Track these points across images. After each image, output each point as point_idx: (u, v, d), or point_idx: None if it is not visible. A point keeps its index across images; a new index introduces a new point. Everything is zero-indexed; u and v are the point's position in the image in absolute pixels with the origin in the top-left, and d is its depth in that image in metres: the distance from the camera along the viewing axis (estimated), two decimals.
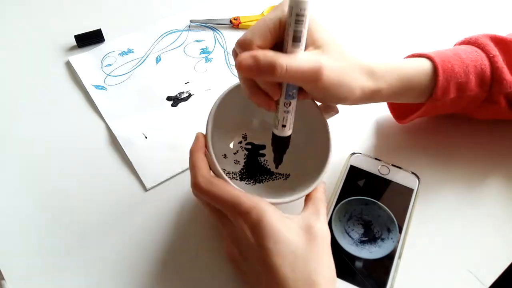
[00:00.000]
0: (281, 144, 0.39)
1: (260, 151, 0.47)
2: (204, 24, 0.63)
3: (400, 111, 0.49)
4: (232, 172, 0.45)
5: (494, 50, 0.43)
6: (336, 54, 0.35)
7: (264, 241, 0.32)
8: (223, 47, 0.60)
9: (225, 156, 0.45)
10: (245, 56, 0.32)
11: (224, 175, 0.37)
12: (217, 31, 0.62)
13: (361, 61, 0.37)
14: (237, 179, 0.44)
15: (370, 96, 0.38)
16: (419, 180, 0.45)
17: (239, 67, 0.33)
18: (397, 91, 0.40)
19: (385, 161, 0.46)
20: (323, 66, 0.33)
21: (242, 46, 0.34)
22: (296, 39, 0.33)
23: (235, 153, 0.46)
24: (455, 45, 0.48)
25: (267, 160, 0.46)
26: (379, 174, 0.45)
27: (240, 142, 0.47)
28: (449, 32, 0.62)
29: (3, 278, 0.40)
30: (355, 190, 0.44)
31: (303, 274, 0.32)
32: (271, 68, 0.32)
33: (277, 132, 0.38)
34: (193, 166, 0.37)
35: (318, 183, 0.39)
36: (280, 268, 0.32)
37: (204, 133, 0.39)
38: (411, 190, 0.44)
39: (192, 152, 0.38)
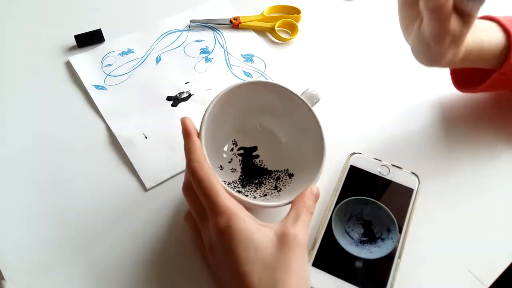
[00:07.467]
0: None
1: (253, 153, 0.46)
2: (204, 24, 0.63)
3: (463, 79, 0.47)
4: (233, 182, 0.44)
5: None
6: None
7: (232, 247, 0.32)
8: (223, 47, 0.60)
9: (221, 167, 0.45)
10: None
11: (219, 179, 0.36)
12: (217, 31, 0.62)
13: None
14: (238, 187, 0.44)
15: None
16: (419, 180, 0.45)
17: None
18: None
19: (385, 161, 0.46)
20: None
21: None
22: None
23: (229, 162, 0.45)
24: None
25: (262, 160, 0.46)
26: (379, 174, 0.45)
27: (232, 150, 0.46)
28: None
29: (3, 278, 0.40)
30: (355, 190, 0.44)
31: (269, 284, 0.31)
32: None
33: None
34: (189, 149, 0.36)
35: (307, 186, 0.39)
36: (247, 275, 0.31)
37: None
38: (411, 190, 0.44)
39: (187, 136, 0.37)
